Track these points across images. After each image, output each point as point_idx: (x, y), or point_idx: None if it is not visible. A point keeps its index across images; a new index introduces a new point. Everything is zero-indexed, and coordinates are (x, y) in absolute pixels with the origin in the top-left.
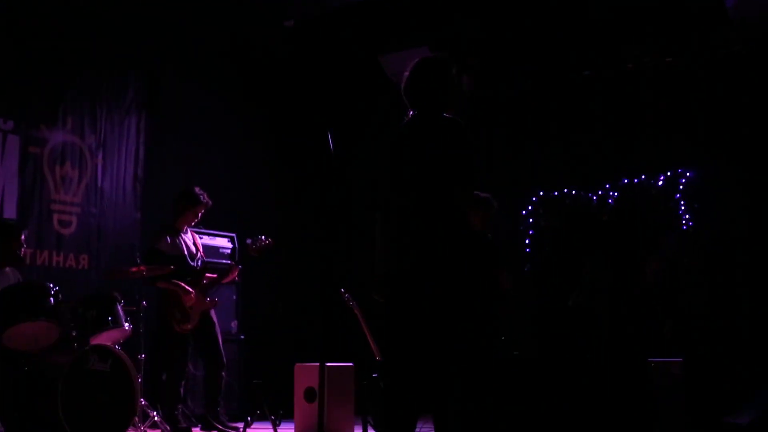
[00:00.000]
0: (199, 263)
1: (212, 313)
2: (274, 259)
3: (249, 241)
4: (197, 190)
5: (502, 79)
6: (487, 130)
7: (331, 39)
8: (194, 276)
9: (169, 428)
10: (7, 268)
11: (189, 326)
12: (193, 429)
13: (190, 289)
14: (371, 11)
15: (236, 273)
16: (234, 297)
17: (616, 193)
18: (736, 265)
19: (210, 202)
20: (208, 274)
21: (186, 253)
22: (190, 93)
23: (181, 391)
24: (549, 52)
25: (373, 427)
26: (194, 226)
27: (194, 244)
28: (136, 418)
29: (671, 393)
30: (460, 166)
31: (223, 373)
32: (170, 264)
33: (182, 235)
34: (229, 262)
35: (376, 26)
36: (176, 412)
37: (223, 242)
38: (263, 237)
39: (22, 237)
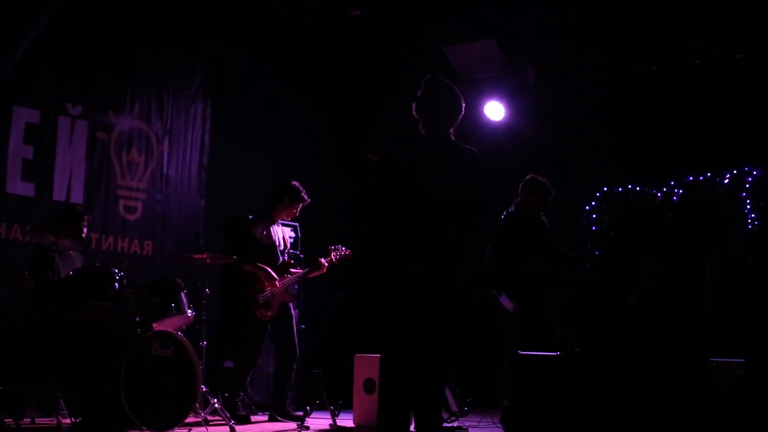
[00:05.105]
0: (286, 257)
1: (291, 305)
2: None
3: (332, 248)
4: (297, 185)
5: (566, 73)
6: (551, 123)
7: (396, 29)
8: (280, 268)
9: (228, 415)
10: (72, 252)
11: (269, 313)
12: (252, 417)
13: (275, 275)
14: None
15: (324, 270)
16: (296, 286)
17: (680, 191)
18: None
19: (309, 200)
20: (292, 270)
21: (277, 243)
22: (254, 80)
23: (248, 379)
24: (615, 45)
25: None
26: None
27: (283, 237)
28: (197, 405)
29: (732, 394)
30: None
31: (294, 365)
32: (261, 252)
33: (275, 225)
34: (295, 251)
35: (442, 17)
36: (237, 400)
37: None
38: (343, 247)
39: (84, 221)
